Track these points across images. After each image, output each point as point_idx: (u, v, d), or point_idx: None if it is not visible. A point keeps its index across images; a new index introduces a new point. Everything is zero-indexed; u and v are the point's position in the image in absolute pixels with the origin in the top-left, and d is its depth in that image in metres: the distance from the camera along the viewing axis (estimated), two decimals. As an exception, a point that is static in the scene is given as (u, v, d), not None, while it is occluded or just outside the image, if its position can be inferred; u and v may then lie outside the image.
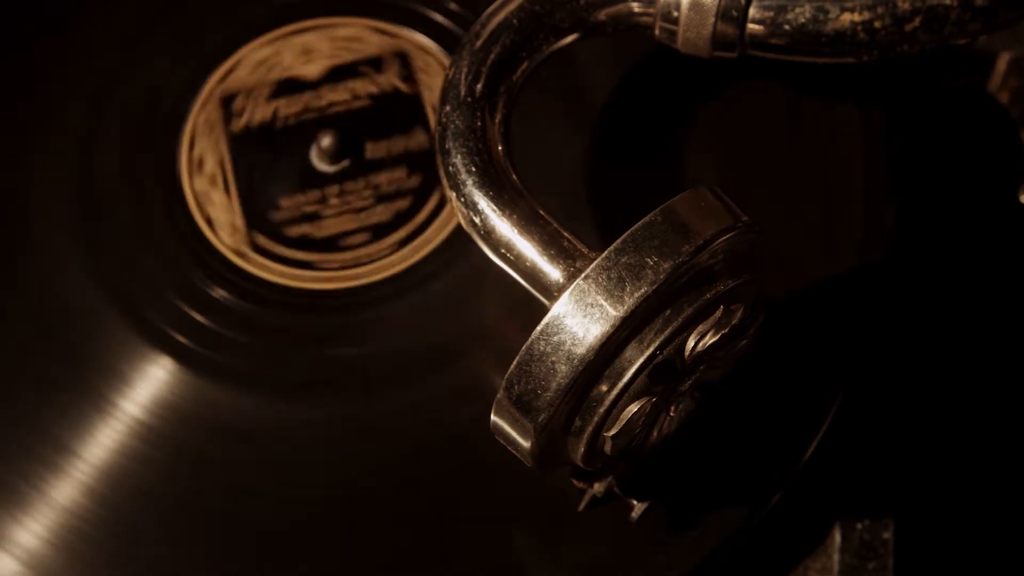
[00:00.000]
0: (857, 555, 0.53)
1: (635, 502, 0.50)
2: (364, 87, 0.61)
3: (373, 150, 0.60)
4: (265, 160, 0.60)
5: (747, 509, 0.52)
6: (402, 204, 0.59)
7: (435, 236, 0.58)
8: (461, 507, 0.54)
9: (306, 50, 0.61)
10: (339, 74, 0.61)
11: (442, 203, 0.59)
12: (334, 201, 0.59)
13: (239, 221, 0.59)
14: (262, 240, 0.58)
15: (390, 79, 0.61)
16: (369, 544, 0.53)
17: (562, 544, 0.53)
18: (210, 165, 0.59)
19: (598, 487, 0.49)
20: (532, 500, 0.53)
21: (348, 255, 0.58)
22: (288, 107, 0.61)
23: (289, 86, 0.61)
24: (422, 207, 0.59)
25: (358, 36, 0.61)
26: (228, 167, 0.59)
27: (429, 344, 0.56)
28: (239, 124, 0.60)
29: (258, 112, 0.60)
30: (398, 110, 0.61)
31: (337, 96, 0.61)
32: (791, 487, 0.53)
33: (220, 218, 0.59)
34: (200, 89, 0.61)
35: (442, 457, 0.55)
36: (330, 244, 0.58)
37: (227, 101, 0.61)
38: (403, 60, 0.61)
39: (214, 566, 0.53)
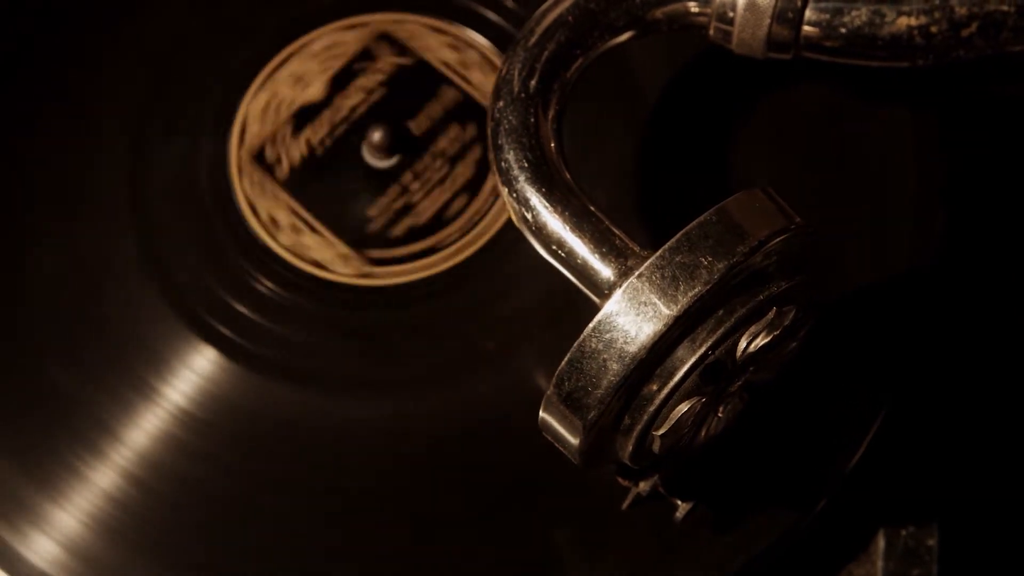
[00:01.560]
0: (901, 562, 0.53)
1: (679, 502, 0.50)
2: (370, 80, 0.61)
3: (417, 125, 0.60)
4: (328, 186, 0.60)
5: (792, 514, 0.52)
6: (476, 154, 0.60)
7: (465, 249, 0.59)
8: (502, 504, 0.54)
9: (298, 78, 0.62)
10: (341, 81, 0.62)
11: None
12: (415, 186, 0.59)
13: (345, 250, 0.59)
14: (376, 253, 0.58)
15: (388, 61, 0.61)
16: (409, 540, 0.54)
17: (604, 543, 0.53)
18: (284, 219, 0.59)
19: (643, 486, 0.49)
20: (574, 498, 0.53)
21: (461, 221, 0.58)
22: (317, 132, 0.61)
23: (305, 115, 0.61)
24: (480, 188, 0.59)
25: (334, 42, 0.62)
26: (301, 211, 0.59)
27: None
28: (283, 171, 0.60)
29: (293, 151, 0.60)
30: (413, 82, 0.61)
31: (353, 100, 0.61)
32: (836, 492, 0.52)
33: (327, 257, 0.59)
34: (227, 160, 0.61)
35: (483, 454, 0.55)
36: (438, 222, 0.59)
37: (259, 157, 0.61)
38: (389, 39, 0.62)
39: (251, 557, 0.54)
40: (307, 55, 0.62)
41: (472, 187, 0.59)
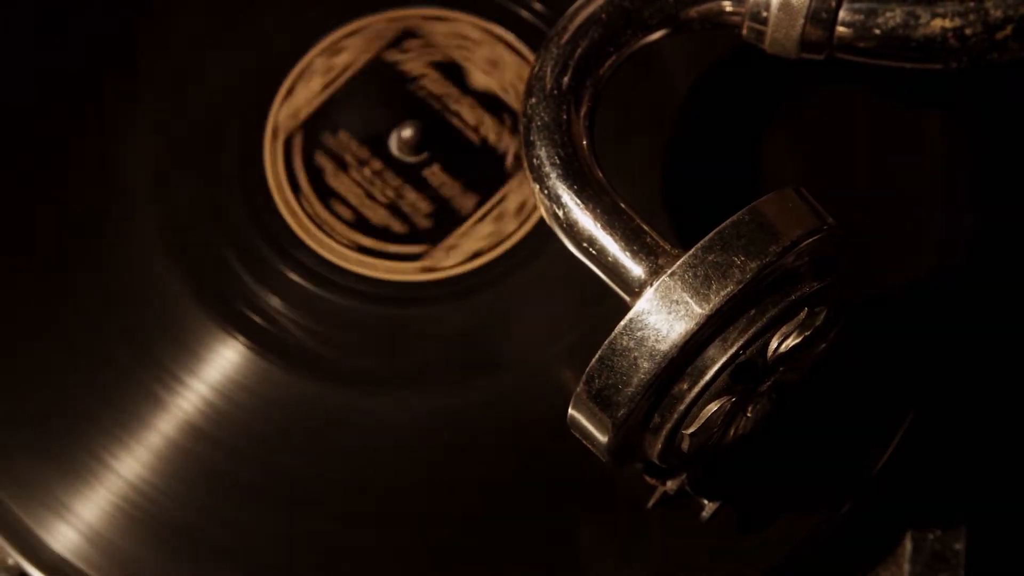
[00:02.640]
0: (928, 565, 0.53)
1: (706, 502, 0.50)
2: (489, 129, 0.60)
3: (433, 173, 0.59)
4: (372, 97, 0.60)
5: (819, 515, 0.52)
6: (397, 226, 0.59)
7: (384, 273, 0.58)
8: (527, 503, 0.54)
9: (495, 62, 0.61)
10: (490, 103, 0.60)
11: (413, 257, 0.59)
12: (367, 172, 0.59)
13: (303, 113, 0.59)
14: (297, 141, 0.59)
15: (510, 144, 0.60)
16: (432, 537, 0.54)
17: (629, 542, 0.53)
18: (341, 59, 0.60)
19: (671, 485, 0.49)
20: (600, 497, 0.53)
21: (323, 213, 0.59)
22: (433, 84, 0.60)
23: (453, 72, 0.61)
24: (403, 244, 0.59)
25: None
26: (348, 73, 0.60)
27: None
28: (393, 56, 0.61)
29: (414, 64, 0.61)
30: (485, 170, 0.59)
31: (468, 115, 0.60)
32: (863, 495, 0.52)
33: (298, 98, 0.60)
34: (402, 7, 0.62)
35: (509, 452, 0.55)
36: (325, 194, 0.59)
37: (406, 34, 0.61)
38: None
39: (272, 549, 0.54)
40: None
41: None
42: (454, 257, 0.58)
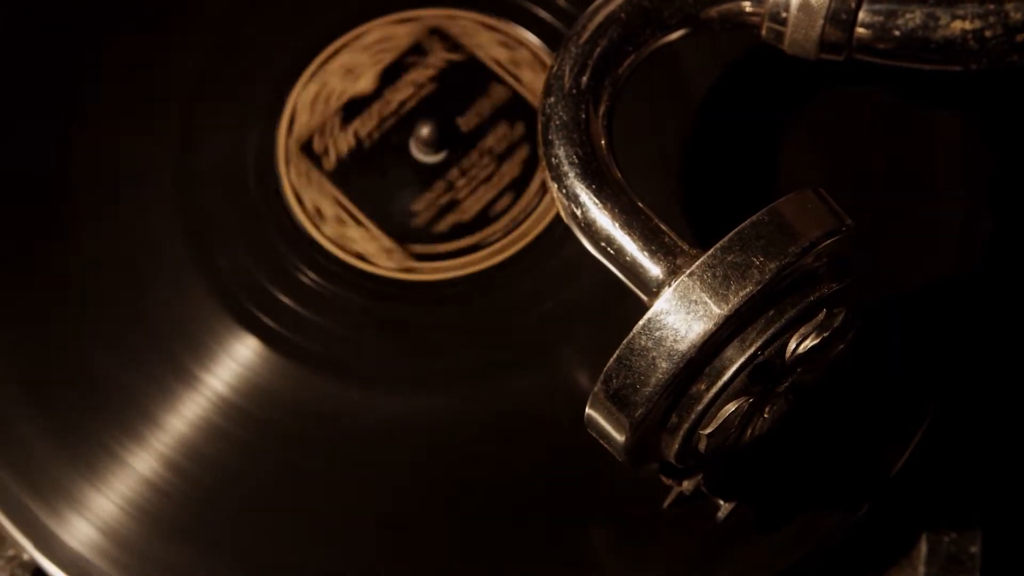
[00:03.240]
0: (944, 568, 0.53)
1: (722, 502, 0.50)
2: (421, 75, 0.61)
3: (466, 122, 0.60)
4: (375, 180, 0.60)
5: (834, 517, 0.52)
6: (523, 153, 0.60)
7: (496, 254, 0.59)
8: (540, 503, 0.54)
9: (348, 69, 0.61)
10: (391, 75, 0.62)
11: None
12: (461, 182, 0.59)
13: (389, 243, 0.59)
14: (420, 248, 0.58)
15: (440, 56, 0.61)
16: (445, 537, 0.54)
17: (643, 542, 0.53)
18: (329, 210, 0.59)
19: (687, 485, 0.49)
20: (614, 497, 0.53)
21: (505, 219, 0.58)
22: (365, 125, 0.61)
23: (354, 107, 0.61)
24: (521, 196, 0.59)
25: (385, 35, 0.62)
26: (346, 203, 0.59)
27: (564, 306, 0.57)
28: (331, 162, 0.60)
29: (341, 143, 0.60)
30: (464, 78, 0.61)
31: (403, 94, 0.61)
32: (880, 497, 0.52)
33: (370, 250, 0.59)
34: (275, 149, 0.61)
35: (521, 452, 0.55)
36: (482, 220, 0.59)
37: (307, 148, 0.61)
38: (440, 35, 0.61)
39: (286, 546, 0.54)
40: (358, 47, 0.62)
41: (518, 186, 0.59)
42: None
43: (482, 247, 0.58)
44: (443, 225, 0.59)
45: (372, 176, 0.60)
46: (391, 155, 0.60)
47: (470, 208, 0.59)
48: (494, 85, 0.61)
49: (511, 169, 0.59)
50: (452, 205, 0.59)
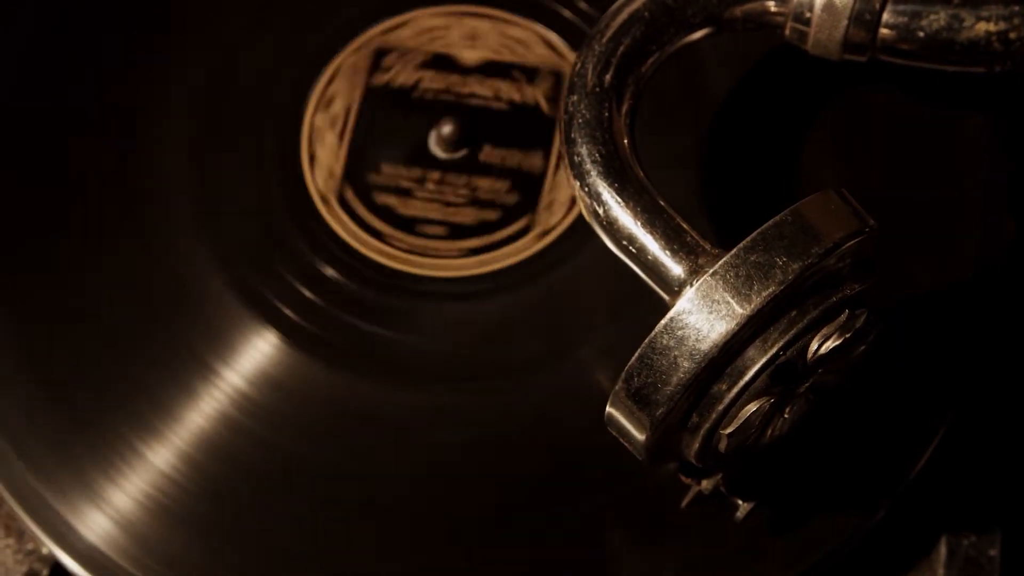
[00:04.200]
0: (963, 571, 0.53)
1: (741, 502, 0.50)
2: (509, 91, 0.61)
3: (488, 154, 0.60)
4: (389, 122, 0.60)
5: (854, 519, 0.52)
6: (490, 215, 0.59)
7: (505, 259, 0.58)
8: (559, 501, 0.54)
9: (474, 35, 0.61)
10: (493, 69, 0.61)
11: (524, 231, 0.58)
12: (430, 186, 0.59)
13: (338, 169, 0.59)
14: (350, 195, 0.59)
15: (536, 94, 0.61)
16: (462, 534, 0.54)
17: (661, 541, 0.53)
18: (338, 106, 0.59)
19: (706, 484, 0.49)
20: (632, 496, 0.53)
21: (418, 241, 0.58)
22: (432, 81, 0.61)
23: (443, 62, 0.61)
24: (507, 226, 0.58)
25: (526, 40, 0.61)
26: (352, 114, 0.60)
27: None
28: (381, 79, 0.60)
29: (403, 75, 0.60)
30: (529, 126, 0.60)
31: (481, 89, 0.61)
32: (900, 499, 0.52)
33: (323, 159, 0.59)
34: (360, 33, 0.61)
35: (540, 450, 0.55)
36: (407, 224, 0.58)
37: (380, 54, 0.61)
38: (557, 80, 0.61)
39: (302, 541, 0.54)
40: (499, 29, 0.62)
41: (456, 232, 0.58)
42: (557, 212, 0.58)
43: (382, 240, 0.58)
44: (382, 199, 0.59)
45: (390, 118, 0.60)
46: (417, 119, 0.60)
47: (411, 208, 0.59)
48: (538, 152, 0.60)
49: (468, 216, 0.59)
50: (404, 193, 0.59)
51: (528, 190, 0.59)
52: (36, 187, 0.60)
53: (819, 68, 0.54)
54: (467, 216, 0.58)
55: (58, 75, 0.62)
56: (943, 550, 0.53)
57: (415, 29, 0.61)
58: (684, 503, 0.51)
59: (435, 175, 0.59)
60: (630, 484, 0.53)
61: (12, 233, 0.59)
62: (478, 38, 0.61)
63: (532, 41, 0.61)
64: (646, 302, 0.52)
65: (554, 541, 0.53)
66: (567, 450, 0.54)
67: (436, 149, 0.60)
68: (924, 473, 0.52)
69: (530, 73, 0.61)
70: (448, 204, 0.59)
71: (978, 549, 0.53)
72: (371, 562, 0.53)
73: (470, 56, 0.61)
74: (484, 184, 0.59)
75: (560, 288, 0.57)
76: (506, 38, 0.61)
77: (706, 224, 0.56)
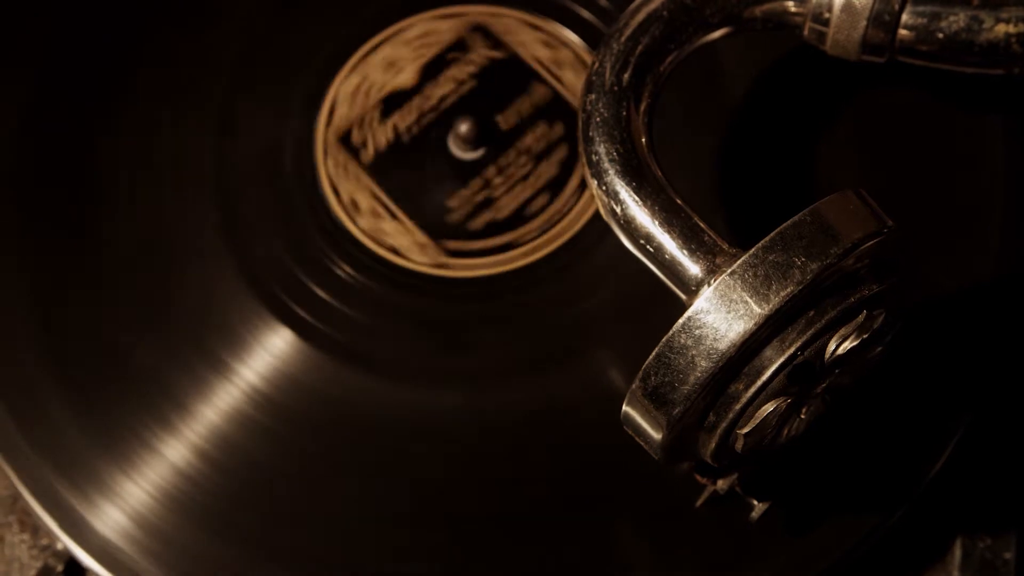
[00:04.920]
0: (978, 573, 0.53)
1: (756, 502, 0.50)
2: (462, 71, 0.61)
3: (505, 120, 0.60)
4: (412, 174, 0.60)
5: (869, 520, 0.52)
6: (561, 153, 0.59)
7: (520, 259, 0.58)
8: (572, 501, 0.54)
9: (389, 63, 0.61)
10: (432, 70, 0.62)
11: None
12: (497, 180, 0.59)
13: (423, 238, 0.59)
14: (454, 245, 0.58)
15: (481, 53, 0.61)
16: (473, 533, 0.54)
17: (675, 540, 0.53)
18: (365, 203, 0.59)
19: (722, 484, 0.49)
20: (646, 495, 0.53)
21: (540, 219, 0.58)
22: (404, 119, 0.61)
23: (394, 101, 0.61)
24: (567, 186, 0.59)
25: (428, 30, 0.62)
26: (383, 196, 0.59)
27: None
28: (368, 155, 0.60)
29: (380, 136, 0.60)
30: (506, 76, 0.61)
31: (443, 89, 0.61)
32: (916, 502, 0.52)
33: (404, 244, 0.59)
34: (313, 140, 0.61)
35: (551, 450, 0.55)
36: (517, 219, 0.59)
37: (345, 140, 0.61)
38: (483, 32, 0.61)
39: (315, 538, 0.54)
40: (401, 41, 0.62)
41: (554, 186, 0.59)
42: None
43: (516, 246, 0.58)
44: (478, 222, 0.59)
45: (409, 171, 0.60)
46: (429, 150, 0.60)
47: (505, 206, 0.59)
48: (535, 84, 0.61)
49: (548, 169, 0.59)
50: (487, 203, 0.59)
51: (561, 114, 0.60)
52: (54, 178, 0.60)
53: (837, 68, 0.54)
54: (548, 170, 0.59)
55: (81, 72, 0.62)
56: (958, 552, 0.53)
57: (345, 100, 0.61)
58: (699, 502, 0.51)
59: (492, 171, 0.60)
60: (644, 483, 0.53)
61: (32, 231, 0.59)
62: (395, 62, 0.62)
63: (431, 27, 0.62)
64: (661, 302, 0.53)
65: (567, 540, 0.53)
66: (580, 449, 0.54)
67: (467, 153, 0.60)
68: (940, 475, 0.52)
69: (459, 46, 0.62)
70: (525, 177, 0.59)
71: (993, 552, 0.53)
72: (383, 560, 0.53)
73: (406, 78, 0.62)
74: (529, 140, 0.60)
75: (576, 287, 0.57)
76: (412, 41, 0.62)
77: (723, 224, 0.56)
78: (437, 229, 0.59)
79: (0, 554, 0.57)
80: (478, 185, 0.59)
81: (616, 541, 0.53)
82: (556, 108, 0.60)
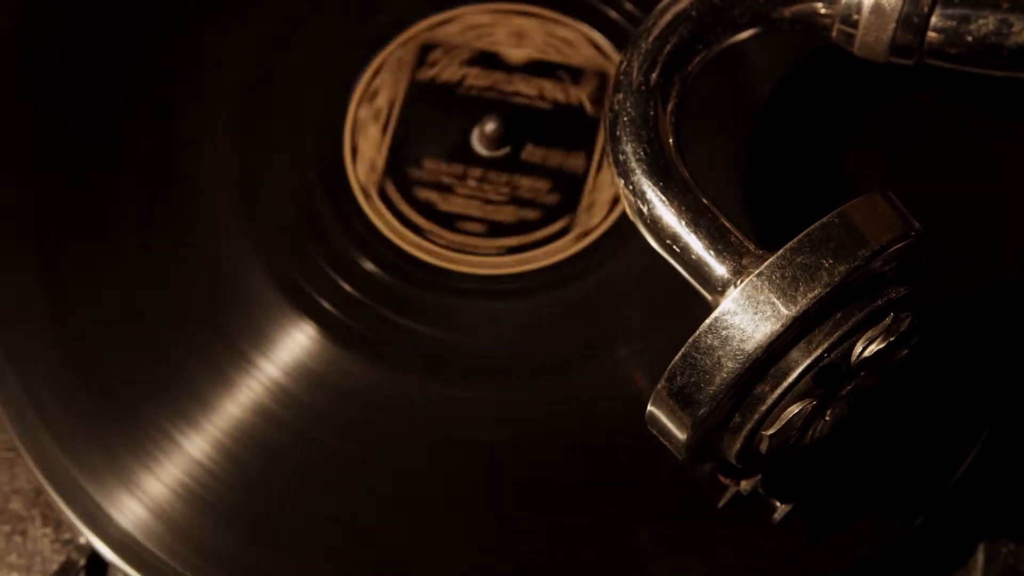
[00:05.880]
0: (1001, 578, 0.53)
1: (779, 504, 0.50)
2: (554, 91, 0.61)
3: (530, 153, 0.60)
4: (432, 118, 0.60)
5: (892, 524, 0.52)
6: (530, 214, 0.59)
7: (544, 258, 0.58)
8: (593, 500, 0.54)
9: (520, 33, 0.61)
10: (538, 69, 0.61)
11: (563, 232, 0.58)
12: (471, 183, 0.59)
13: (380, 162, 0.59)
14: (391, 189, 0.59)
15: (580, 94, 0.61)
16: (493, 530, 0.54)
17: (696, 540, 0.53)
18: (382, 99, 0.59)
19: (745, 485, 0.49)
20: (667, 495, 0.53)
21: (457, 238, 0.58)
22: (477, 78, 0.61)
23: (488, 60, 0.61)
24: (546, 226, 0.58)
25: (573, 41, 0.61)
26: (396, 108, 0.60)
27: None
28: (426, 74, 0.60)
29: (449, 71, 0.60)
30: (573, 127, 0.60)
31: (526, 88, 0.61)
32: (939, 506, 0.52)
33: (365, 152, 0.59)
34: (407, 28, 0.61)
35: (574, 448, 0.55)
36: (447, 220, 0.59)
37: (426, 49, 0.61)
38: (602, 81, 0.61)
39: (335, 534, 0.54)
40: (545, 28, 0.62)
41: (495, 230, 0.59)
42: (597, 213, 0.58)
43: (422, 235, 0.58)
44: (423, 194, 0.59)
45: (433, 113, 0.60)
46: (461, 116, 0.60)
47: (451, 204, 0.59)
48: (581, 153, 0.60)
49: (508, 215, 0.59)
50: (445, 188, 0.59)
51: (569, 191, 0.59)
52: (79, 172, 0.60)
53: (864, 69, 0.54)
54: (507, 214, 0.58)
55: (99, 65, 0.62)
56: (981, 557, 0.53)
57: (462, 26, 0.61)
58: (721, 503, 0.51)
59: (476, 172, 0.59)
60: (666, 483, 0.53)
61: (55, 225, 0.59)
62: (524, 36, 0.61)
63: (578, 41, 0.61)
64: (683, 306, 0.53)
65: (588, 540, 0.53)
66: (601, 449, 0.54)
67: (478, 146, 0.60)
68: (963, 480, 0.52)
69: (575, 73, 0.61)
70: (488, 202, 0.59)
71: (1016, 557, 0.53)
72: (401, 556, 0.53)
73: (516, 55, 0.61)
74: (525, 183, 0.59)
75: (597, 289, 0.57)
76: (552, 38, 0.61)
77: (748, 225, 0.56)
78: (395, 168, 0.59)
79: (23, 548, 0.57)
80: (456, 171, 0.59)
81: (636, 541, 0.53)
82: (569, 184, 0.59)
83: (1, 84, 0.62)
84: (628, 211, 0.49)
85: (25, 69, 0.62)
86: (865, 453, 0.52)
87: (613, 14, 0.62)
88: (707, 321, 0.43)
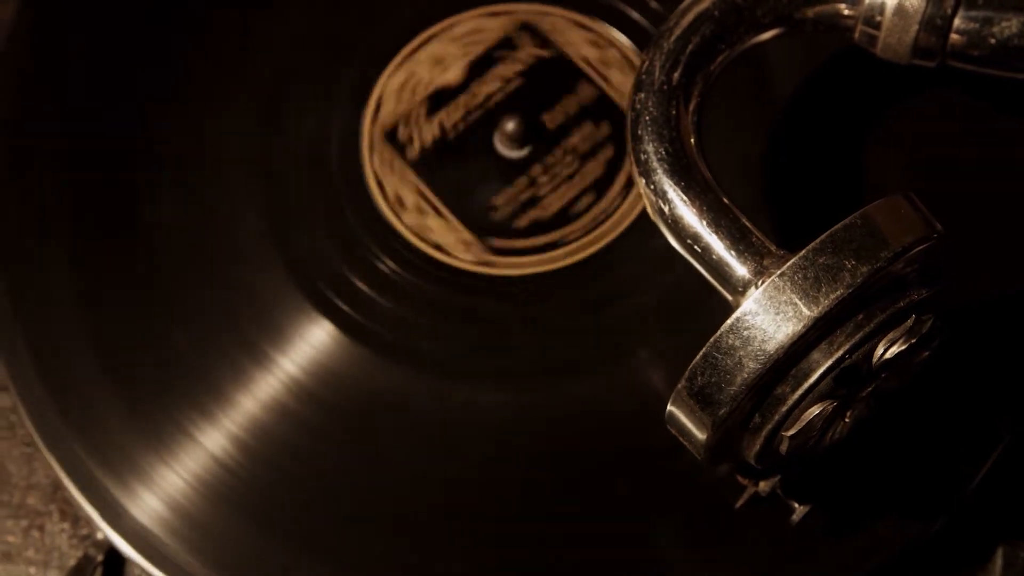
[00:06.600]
0: (1020, 581, 0.53)
1: (797, 505, 0.49)
2: (509, 69, 0.61)
3: (551, 119, 0.60)
4: (457, 171, 0.60)
5: (911, 526, 0.52)
6: (607, 153, 0.59)
7: (563, 259, 0.58)
8: (612, 501, 0.54)
9: (437, 59, 0.61)
10: (480, 67, 0.61)
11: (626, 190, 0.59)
12: (543, 179, 0.59)
13: (467, 236, 0.59)
14: (498, 243, 0.58)
15: (528, 52, 0.61)
16: (510, 531, 0.54)
17: (714, 541, 0.53)
18: (410, 199, 0.59)
19: (764, 486, 0.49)
20: (685, 495, 0.53)
21: (585, 219, 0.58)
22: (451, 116, 0.61)
23: (440, 97, 0.61)
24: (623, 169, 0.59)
25: (477, 27, 0.62)
26: (427, 193, 0.59)
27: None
28: (414, 151, 0.60)
29: (426, 132, 0.60)
30: (552, 75, 0.61)
31: (490, 87, 0.61)
32: (959, 509, 0.52)
33: (448, 241, 0.59)
34: (359, 135, 0.61)
35: (590, 450, 0.55)
36: (562, 218, 0.59)
37: (391, 136, 0.61)
38: (531, 30, 0.61)
39: (348, 530, 0.54)
40: (448, 38, 0.62)
41: (600, 186, 0.59)
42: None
43: (560, 245, 0.58)
44: (523, 221, 0.59)
45: (455, 168, 0.60)
46: (475, 148, 0.60)
47: (550, 205, 0.59)
48: (582, 84, 0.61)
49: (594, 169, 0.59)
50: (533, 201, 0.59)
51: (607, 113, 0.60)
52: (100, 171, 0.60)
53: (886, 70, 0.54)
54: (594, 170, 0.59)
55: (125, 72, 0.62)
56: (999, 560, 0.53)
57: (392, 96, 0.62)
58: (739, 503, 0.51)
59: (537, 169, 0.60)
60: (683, 485, 0.53)
61: (79, 223, 0.60)
62: (443, 58, 0.62)
63: (480, 24, 0.62)
64: (704, 304, 0.53)
65: (607, 541, 0.53)
66: (620, 450, 0.54)
67: (512, 152, 0.60)
68: (983, 482, 0.52)
69: (506, 44, 0.62)
70: (571, 176, 0.59)
71: (1035, 560, 0.53)
72: (416, 556, 0.53)
73: (453, 75, 0.62)
74: (575, 139, 0.60)
75: (620, 287, 0.57)
76: (460, 38, 0.62)
77: (769, 226, 0.56)
78: (482, 227, 0.59)
79: (40, 543, 0.57)
80: (523, 183, 0.59)
81: (654, 542, 0.53)
82: (603, 108, 0.60)
83: (35, 86, 0.62)
84: (649, 210, 0.49)
85: (58, 73, 0.62)
86: (885, 455, 0.52)
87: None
88: (728, 321, 0.43)
